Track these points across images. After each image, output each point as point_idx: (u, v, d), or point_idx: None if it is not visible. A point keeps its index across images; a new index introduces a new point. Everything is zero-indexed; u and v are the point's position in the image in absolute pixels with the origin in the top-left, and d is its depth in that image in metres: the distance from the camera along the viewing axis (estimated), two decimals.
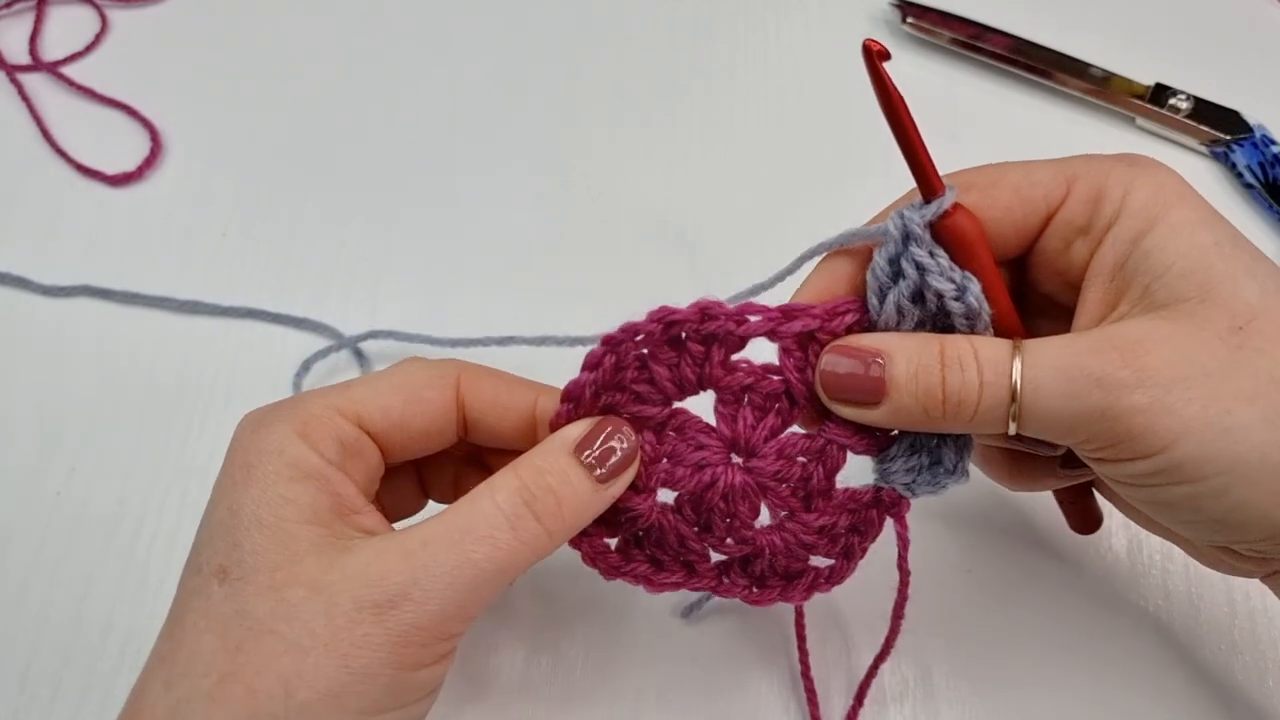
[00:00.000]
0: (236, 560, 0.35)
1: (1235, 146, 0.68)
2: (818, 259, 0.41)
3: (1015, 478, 0.46)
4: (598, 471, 0.38)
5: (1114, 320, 0.37)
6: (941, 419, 0.37)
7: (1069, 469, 0.43)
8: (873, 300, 0.39)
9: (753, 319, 0.38)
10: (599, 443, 0.38)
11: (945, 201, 0.37)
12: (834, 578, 0.42)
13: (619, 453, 0.38)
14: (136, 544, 0.55)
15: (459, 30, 0.76)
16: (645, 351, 0.39)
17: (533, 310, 0.61)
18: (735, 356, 0.40)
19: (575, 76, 0.74)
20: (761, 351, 0.40)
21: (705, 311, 0.38)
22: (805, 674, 0.50)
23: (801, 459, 0.40)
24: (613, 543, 0.42)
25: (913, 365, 0.37)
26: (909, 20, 0.73)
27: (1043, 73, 0.71)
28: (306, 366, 0.60)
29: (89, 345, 0.61)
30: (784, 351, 0.39)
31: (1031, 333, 0.40)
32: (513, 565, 0.36)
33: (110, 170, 0.68)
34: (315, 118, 0.72)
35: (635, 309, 0.39)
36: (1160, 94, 0.69)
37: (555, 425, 0.39)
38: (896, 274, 0.38)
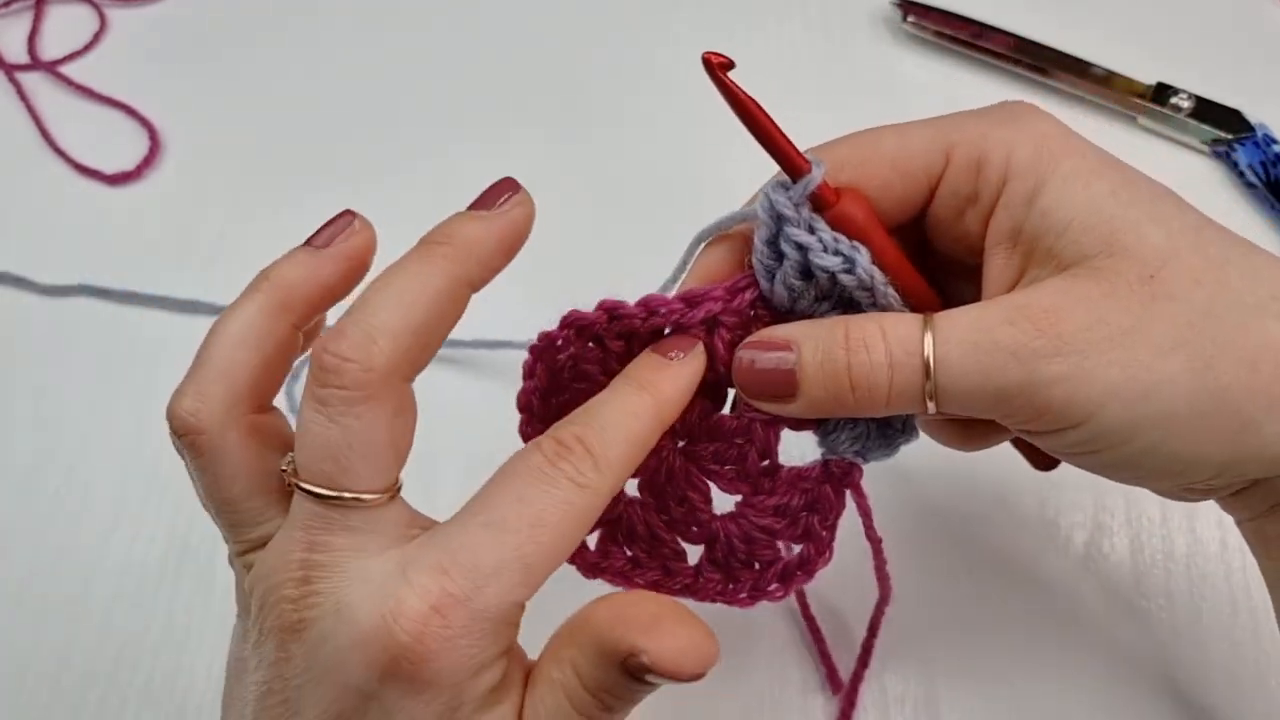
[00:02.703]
0: None
1: (1237, 146, 0.68)
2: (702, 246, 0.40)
3: (966, 439, 0.44)
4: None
5: (1025, 285, 0.35)
6: (854, 405, 0.35)
7: None
8: (762, 282, 0.38)
9: (659, 312, 0.38)
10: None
11: (813, 180, 0.36)
12: (805, 565, 0.40)
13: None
14: (135, 543, 0.55)
15: (459, 31, 0.76)
16: (572, 352, 0.39)
17: (534, 310, 0.60)
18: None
19: (574, 80, 0.74)
20: None
21: (611, 313, 0.38)
22: (814, 632, 0.49)
23: (738, 440, 0.39)
24: (592, 541, 0.41)
25: (819, 353, 0.36)
26: (910, 20, 0.73)
27: (1044, 72, 0.71)
28: (295, 374, 0.60)
29: (88, 344, 0.61)
30: None
31: (945, 297, 0.38)
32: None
33: (109, 169, 0.68)
34: (314, 117, 0.72)
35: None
36: (1162, 93, 0.69)
37: (522, 433, 0.39)
38: (779, 255, 0.37)
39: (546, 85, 0.73)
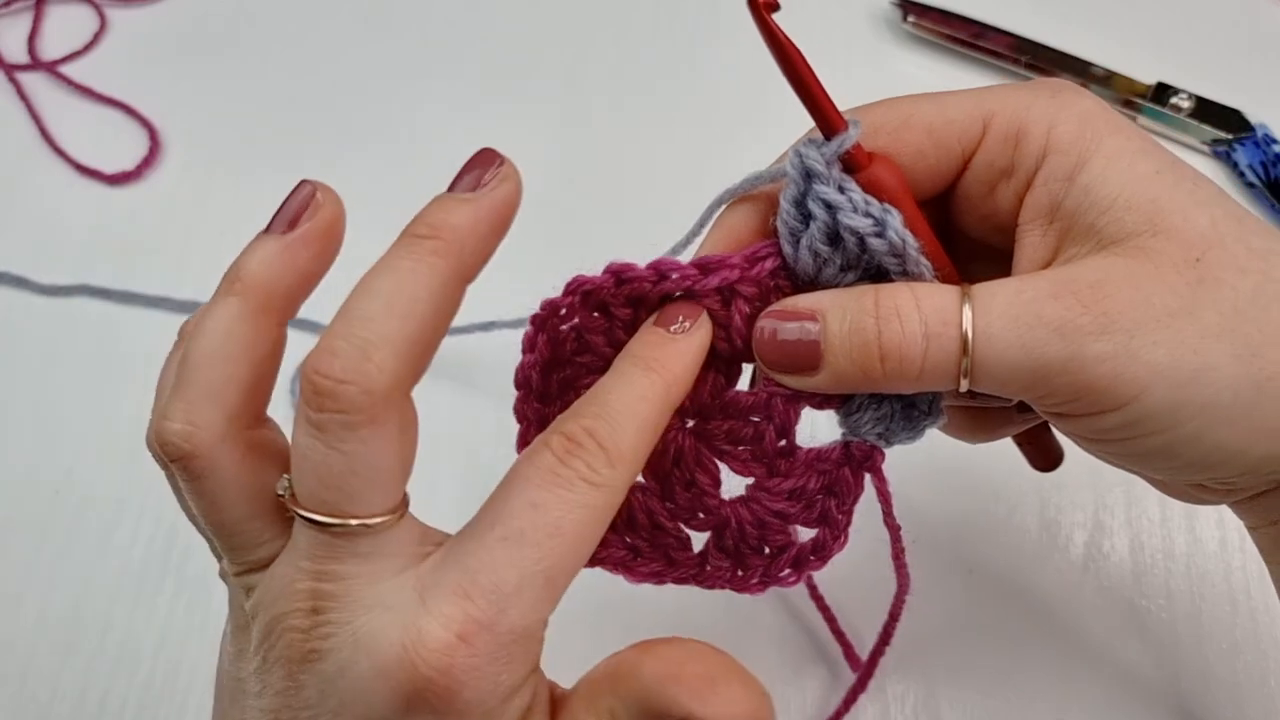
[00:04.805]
0: None
1: (1237, 145, 0.68)
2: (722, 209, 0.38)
3: (973, 430, 0.43)
4: None
5: (1063, 263, 0.34)
6: (882, 379, 0.33)
7: (1027, 412, 0.41)
8: (786, 248, 0.35)
9: (671, 276, 0.35)
10: None
11: (849, 138, 0.34)
12: (820, 551, 0.38)
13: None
14: (135, 543, 0.55)
15: (459, 29, 0.76)
16: (576, 322, 0.37)
17: (535, 296, 0.61)
18: None
19: (572, 77, 0.74)
20: None
21: (618, 276, 0.35)
22: (825, 612, 0.48)
23: (753, 417, 0.37)
24: None
25: (845, 323, 0.34)
26: (910, 19, 0.73)
27: (1044, 72, 0.71)
28: (299, 374, 0.60)
29: (87, 344, 0.61)
30: (708, 311, 0.36)
31: (965, 279, 0.36)
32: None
33: (109, 169, 0.68)
34: (314, 117, 0.71)
35: None
36: (1162, 93, 0.69)
37: (518, 411, 0.37)
38: (806, 216, 0.35)
39: (544, 84, 0.73)
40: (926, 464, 0.56)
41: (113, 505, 0.56)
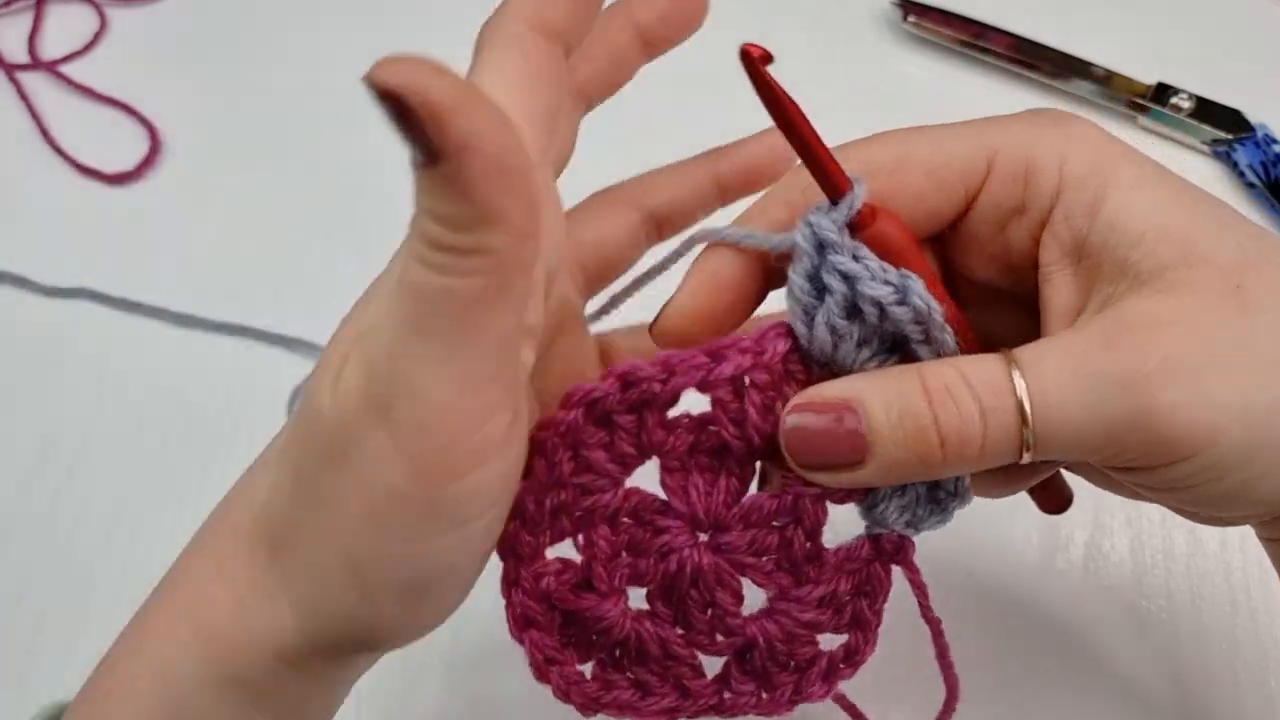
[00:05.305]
0: None
1: (1237, 146, 0.68)
2: (699, 248, 0.35)
3: (994, 486, 0.40)
4: None
5: (1103, 306, 0.32)
6: (942, 464, 0.31)
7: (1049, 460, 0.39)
8: (799, 326, 0.33)
9: (681, 371, 0.32)
10: None
11: (856, 199, 0.32)
12: (851, 657, 0.35)
13: None
14: (135, 545, 0.55)
15: (459, 29, 0.76)
16: (570, 439, 0.33)
17: None
18: (671, 413, 0.33)
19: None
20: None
21: (625, 379, 0.32)
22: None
23: (776, 523, 0.34)
24: (588, 670, 0.35)
25: (893, 410, 0.31)
26: (910, 20, 0.73)
27: (1045, 72, 0.71)
28: (296, 394, 0.59)
29: (88, 346, 0.61)
30: (717, 403, 0.33)
31: (974, 329, 0.34)
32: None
33: (109, 170, 0.68)
34: (315, 116, 0.71)
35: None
36: (1162, 93, 0.69)
37: (512, 542, 0.33)
38: (821, 290, 0.32)
39: None
40: None
41: (113, 507, 0.56)
